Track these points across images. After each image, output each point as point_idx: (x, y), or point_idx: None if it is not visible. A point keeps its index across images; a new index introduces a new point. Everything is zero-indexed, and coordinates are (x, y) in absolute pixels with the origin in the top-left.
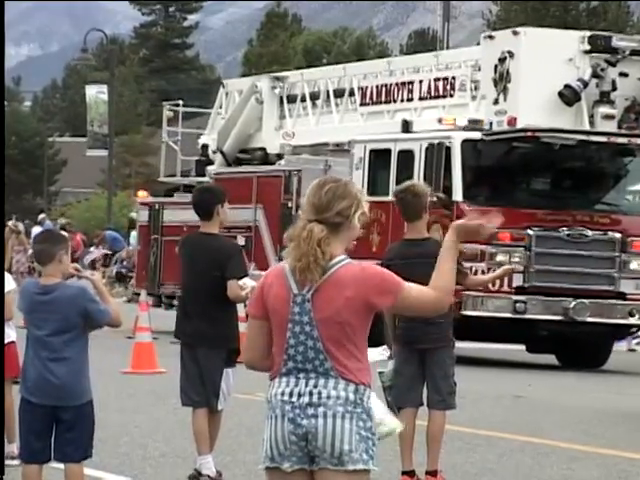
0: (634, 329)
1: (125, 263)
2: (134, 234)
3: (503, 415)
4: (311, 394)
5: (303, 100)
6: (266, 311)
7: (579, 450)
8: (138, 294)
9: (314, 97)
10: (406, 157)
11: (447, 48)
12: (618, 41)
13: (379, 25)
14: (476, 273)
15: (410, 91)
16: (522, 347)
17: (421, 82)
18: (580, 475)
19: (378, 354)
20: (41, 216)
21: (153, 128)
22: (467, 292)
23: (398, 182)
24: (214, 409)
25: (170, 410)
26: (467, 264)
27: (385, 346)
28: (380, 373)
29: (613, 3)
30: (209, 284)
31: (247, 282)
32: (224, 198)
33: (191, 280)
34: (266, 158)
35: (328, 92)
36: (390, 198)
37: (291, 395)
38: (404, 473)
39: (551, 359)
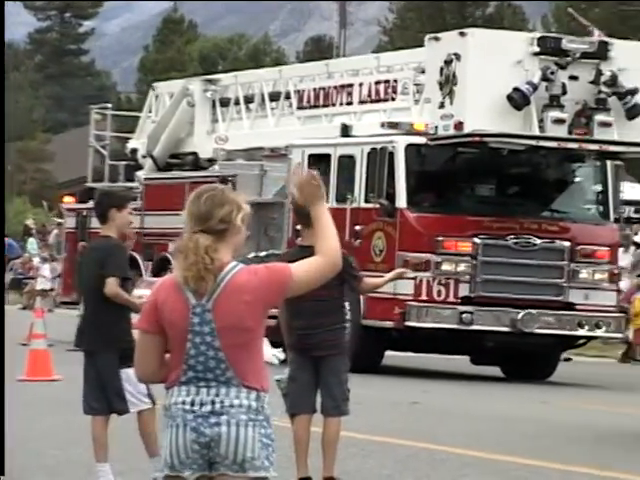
0: (583, 340)
1: (20, 270)
2: (32, 240)
3: (400, 422)
4: (213, 403)
5: (237, 103)
6: (160, 325)
7: (474, 456)
8: (66, 302)
9: (248, 100)
10: (347, 162)
11: (344, 55)
12: (568, 43)
13: (275, 32)
14: (421, 282)
15: (349, 94)
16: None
17: (361, 85)
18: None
19: (272, 355)
20: None
21: (48, 135)
22: (412, 302)
23: (339, 188)
24: (122, 412)
25: (66, 418)
26: (412, 274)
27: (281, 348)
28: (277, 381)
29: (509, 10)
30: (94, 285)
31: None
32: (122, 203)
33: (80, 283)
34: (197, 163)
35: (263, 95)
36: (331, 205)
37: (192, 404)
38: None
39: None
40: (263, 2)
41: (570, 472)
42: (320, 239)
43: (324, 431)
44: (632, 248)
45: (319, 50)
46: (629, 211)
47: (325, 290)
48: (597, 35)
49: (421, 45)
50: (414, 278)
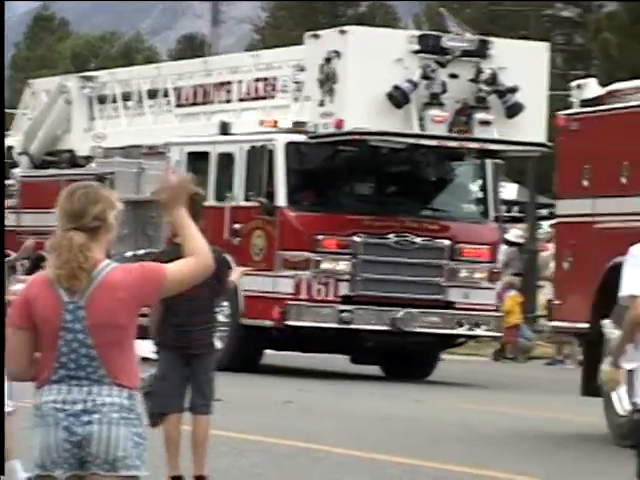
0: (462, 339)
1: None
2: None
3: (274, 421)
4: (85, 401)
5: (114, 101)
6: (32, 322)
7: (349, 455)
8: None
9: (126, 98)
10: (226, 160)
11: (216, 53)
12: (448, 41)
13: (147, 30)
14: (301, 281)
15: (228, 92)
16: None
17: (240, 83)
18: (341, 478)
19: (148, 350)
20: None
21: None
22: (291, 301)
23: (218, 186)
24: None
25: None
26: (291, 272)
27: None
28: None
29: (381, 10)
30: None
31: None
32: None
33: None
34: (74, 160)
35: (141, 93)
36: (210, 203)
37: (64, 403)
38: (172, 478)
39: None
40: (133, 2)
41: (445, 470)
42: (187, 241)
43: (194, 429)
44: (504, 247)
45: (191, 48)
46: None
47: (198, 289)
48: (468, 35)
49: (293, 43)
50: (294, 277)
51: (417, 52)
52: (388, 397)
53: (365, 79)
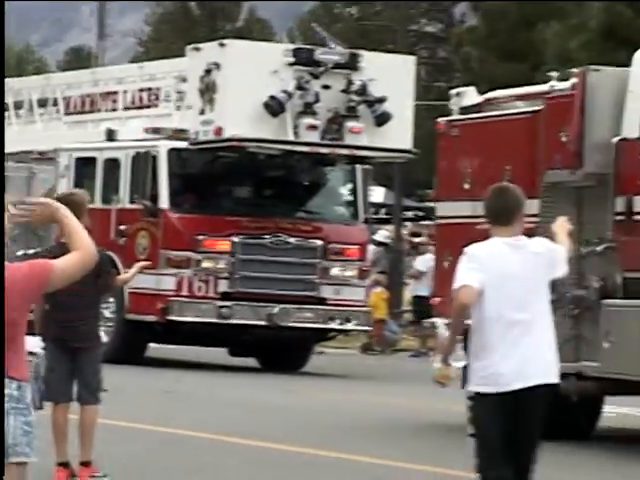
0: (334, 333)
1: None
2: None
3: (156, 409)
4: None
5: (6, 109)
6: None
7: (230, 442)
8: None
9: (18, 106)
10: (112, 165)
11: (102, 65)
12: (321, 54)
13: (37, 42)
14: (182, 279)
15: (114, 101)
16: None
17: (125, 92)
18: (218, 463)
19: (35, 344)
20: None
21: None
22: (173, 298)
23: (104, 189)
24: None
25: None
26: (173, 270)
27: (39, 337)
28: None
29: (258, 24)
30: None
31: None
32: None
33: None
34: None
35: (31, 101)
36: (96, 205)
37: None
38: (59, 464)
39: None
40: (24, 15)
41: (318, 456)
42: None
43: (81, 418)
44: (372, 246)
45: (78, 60)
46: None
47: (82, 286)
48: (339, 48)
49: (175, 56)
50: (176, 275)
51: (292, 64)
52: (264, 387)
53: (243, 89)
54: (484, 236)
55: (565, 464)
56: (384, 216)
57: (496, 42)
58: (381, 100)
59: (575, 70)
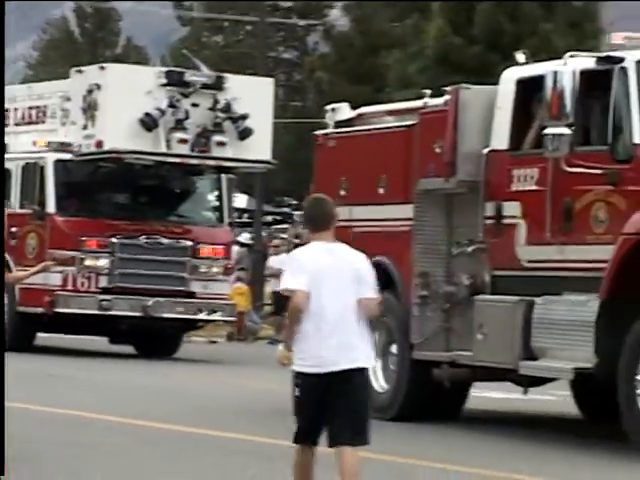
0: (202, 323)
1: None
2: None
3: (43, 392)
4: None
5: None
6: None
7: (113, 421)
8: None
9: None
10: (5, 175)
11: None
12: (190, 76)
13: None
14: (67, 275)
15: (7, 117)
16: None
17: (16, 110)
18: (108, 440)
19: None
20: None
21: None
22: (59, 292)
23: None
24: None
25: None
26: (59, 267)
27: None
28: None
29: (135, 51)
30: None
31: None
32: None
33: None
34: None
35: None
36: None
37: None
38: None
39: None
40: None
41: (194, 434)
42: None
43: None
44: (236, 247)
45: None
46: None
47: None
48: (207, 71)
49: (61, 77)
50: (61, 272)
51: (164, 85)
52: (141, 372)
53: (121, 107)
54: (358, 238)
55: (438, 442)
56: (246, 220)
57: (344, 67)
58: (244, 117)
59: (448, 88)
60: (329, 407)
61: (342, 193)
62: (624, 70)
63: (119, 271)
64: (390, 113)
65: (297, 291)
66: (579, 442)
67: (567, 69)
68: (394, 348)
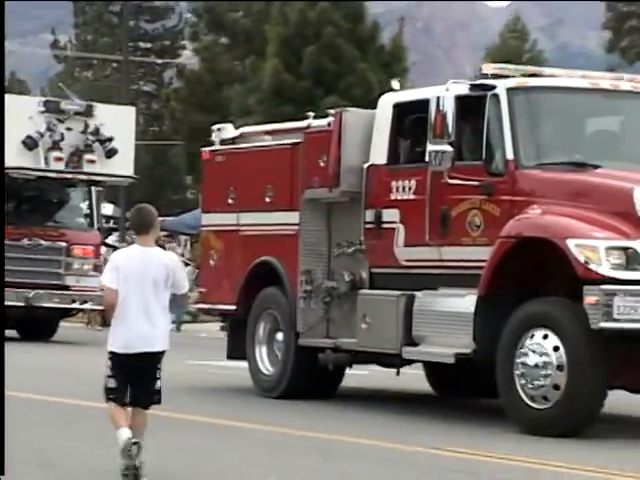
0: (75, 311)
1: None
2: None
3: None
4: None
5: None
6: None
7: (32, 398)
8: None
9: None
10: None
11: None
12: (65, 105)
13: None
14: None
15: None
16: None
17: None
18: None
19: None
20: None
21: None
22: None
23: None
24: None
25: None
26: None
27: None
28: None
29: (16, 84)
30: None
31: None
32: None
33: None
34: None
35: None
36: None
37: None
38: None
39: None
40: None
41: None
42: None
43: None
44: (104, 248)
45: None
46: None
47: None
48: (79, 101)
49: None
50: None
51: (43, 112)
52: (25, 352)
53: (9, 131)
54: (246, 240)
55: (315, 414)
56: (112, 225)
57: (195, 99)
58: (110, 139)
59: (332, 111)
60: (133, 377)
61: (230, 202)
62: (496, 96)
63: (5, 268)
64: (267, 132)
65: (107, 288)
66: (442, 413)
67: (449, 94)
68: (279, 336)
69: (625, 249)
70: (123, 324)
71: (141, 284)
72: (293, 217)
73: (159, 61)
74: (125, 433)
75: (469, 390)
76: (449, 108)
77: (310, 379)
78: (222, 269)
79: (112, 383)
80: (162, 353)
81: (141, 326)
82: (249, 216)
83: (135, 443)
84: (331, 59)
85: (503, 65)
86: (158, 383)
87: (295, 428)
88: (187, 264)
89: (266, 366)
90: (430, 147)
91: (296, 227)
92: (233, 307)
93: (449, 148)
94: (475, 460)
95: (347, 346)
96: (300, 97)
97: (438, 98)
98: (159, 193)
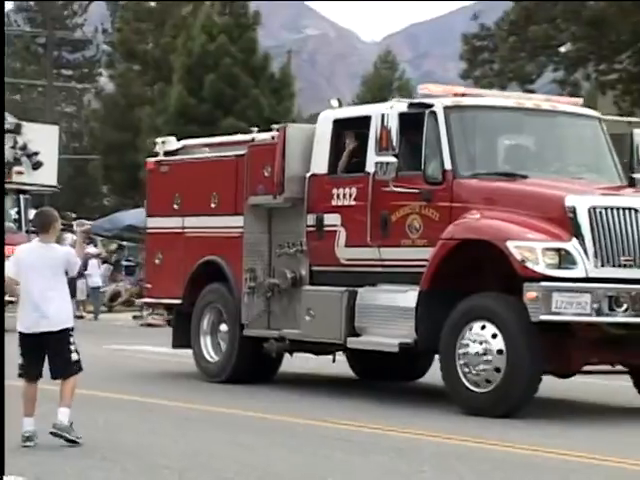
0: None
1: None
2: None
3: None
4: None
5: None
6: None
7: None
8: None
9: None
10: None
11: None
12: None
13: None
14: None
15: None
16: None
17: None
18: None
19: None
20: None
21: None
22: None
23: None
24: None
25: None
26: None
27: None
28: None
29: None
30: None
31: None
32: None
33: None
34: None
35: None
36: None
37: None
38: None
39: None
40: None
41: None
42: None
43: None
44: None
45: None
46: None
47: None
48: (10, 120)
49: None
50: None
51: None
52: None
53: None
54: (191, 241)
55: (255, 398)
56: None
57: (111, 119)
58: (36, 153)
59: (276, 126)
60: (41, 354)
61: (175, 207)
62: (434, 113)
63: None
64: (206, 145)
65: (8, 278)
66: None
67: (393, 112)
68: (223, 327)
69: (558, 250)
70: (26, 308)
71: (40, 273)
72: (237, 221)
73: (79, 86)
74: (26, 424)
75: (387, 374)
76: (393, 124)
77: (252, 365)
78: (167, 267)
79: (21, 360)
80: (65, 330)
81: (42, 309)
82: (195, 220)
83: (28, 437)
84: (228, 85)
85: (438, 86)
86: (73, 356)
87: (202, 403)
88: (105, 262)
89: (210, 354)
90: (377, 159)
91: (240, 230)
92: (178, 301)
93: (394, 159)
94: (415, 438)
95: (292, 336)
96: (202, 118)
97: (383, 115)
98: (79, 201)
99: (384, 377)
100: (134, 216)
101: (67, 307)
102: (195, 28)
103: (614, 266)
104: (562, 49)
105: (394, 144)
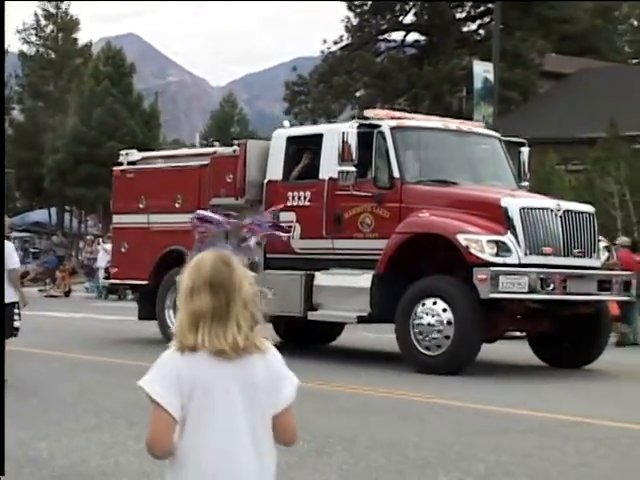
0: None
1: None
2: None
3: None
4: None
5: None
6: None
7: None
8: None
9: None
10: None
11: None
12: None
13: None
14: None
15: None
16: None
17: None
18: None
19: None
20: None
21: None
22: None
23: None
24: None
25: None
26: None
27: None
28: None
29: None
30: None
31: None
32: None
33: None
34: None
35: None
36: None
37: None
38: None
39: None
40: None
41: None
42: None
43: None
44: None
45: None
46: None
47: None
48: None
49: None
50: None
51: None
52: None
53: None
54: (155, 234)
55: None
56: None
57: (22, 142)
58: None
59: (237, 141)
60: None
61: (141, 206)
62: (382, 132)
63: None
64: (161, 157)
65: None
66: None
67: (352, 130)
68: None
69: (497, 242)
70: None
71: None
72: None
73: None
74: None
75: (307, 338)
76: (353, 140)
77: None
78: (132, 255)
79: None
80: (12, 304)
81: None
82: (160, 217)
83: None
84: (111, 117)
85: (381, 110)
86: (15, 324)
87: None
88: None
89: (173, 324)
90: (339, 168)
91: None
92: (144, 282)
93: (353, 169)
94: (367, 395)
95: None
96: (91, 142)
97: (344, 132)
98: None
99: (309, 342)
100: (39, 215)
101: (10, 288)
102: (86, 75)
103: (538, 254)
104: (357, 94)
105: (353, 156)
